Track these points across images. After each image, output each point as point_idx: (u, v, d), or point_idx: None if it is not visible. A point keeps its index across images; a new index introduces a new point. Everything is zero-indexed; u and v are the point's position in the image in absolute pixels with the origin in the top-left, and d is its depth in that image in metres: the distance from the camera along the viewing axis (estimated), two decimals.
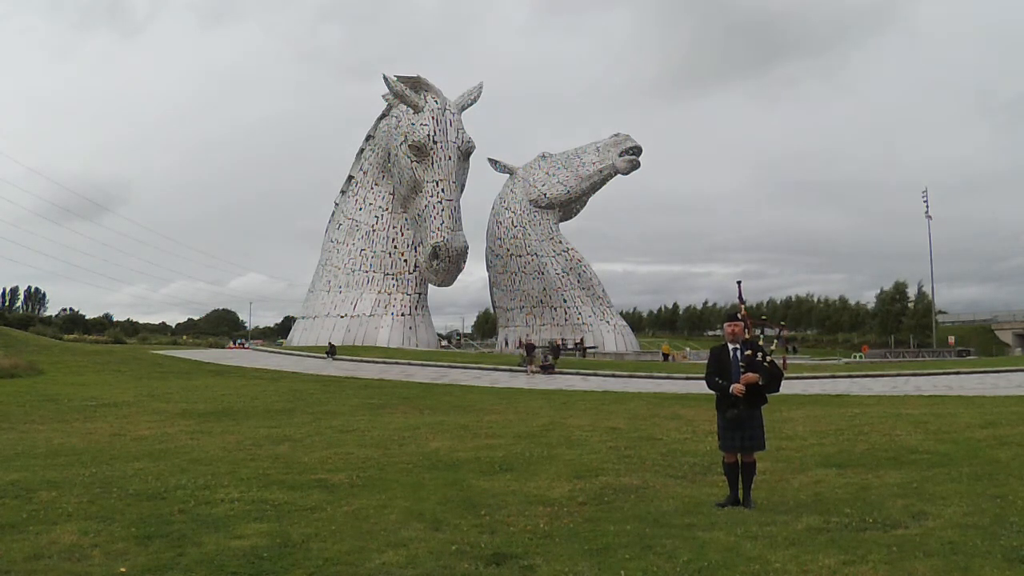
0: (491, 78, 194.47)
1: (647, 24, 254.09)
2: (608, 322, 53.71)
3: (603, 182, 54.32)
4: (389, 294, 46.22)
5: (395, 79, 39.40)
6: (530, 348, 31.99)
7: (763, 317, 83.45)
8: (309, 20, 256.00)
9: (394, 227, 46.32)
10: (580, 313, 53.31)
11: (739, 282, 7.45)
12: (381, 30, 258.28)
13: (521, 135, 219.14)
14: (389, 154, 43.69)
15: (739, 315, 6.83)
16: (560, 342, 40.17)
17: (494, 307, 60.45)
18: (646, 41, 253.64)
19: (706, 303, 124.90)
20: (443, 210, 39.01)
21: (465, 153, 40.80)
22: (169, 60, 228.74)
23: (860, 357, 54.16)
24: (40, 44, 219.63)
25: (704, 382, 7.05)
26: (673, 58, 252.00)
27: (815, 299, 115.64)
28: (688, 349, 61.77)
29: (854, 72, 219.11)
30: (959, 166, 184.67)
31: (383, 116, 45.13)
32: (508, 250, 54.39)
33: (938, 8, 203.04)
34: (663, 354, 48.01)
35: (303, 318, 50.83)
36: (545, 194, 53.63)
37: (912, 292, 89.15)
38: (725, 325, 6.86)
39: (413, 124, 39.59)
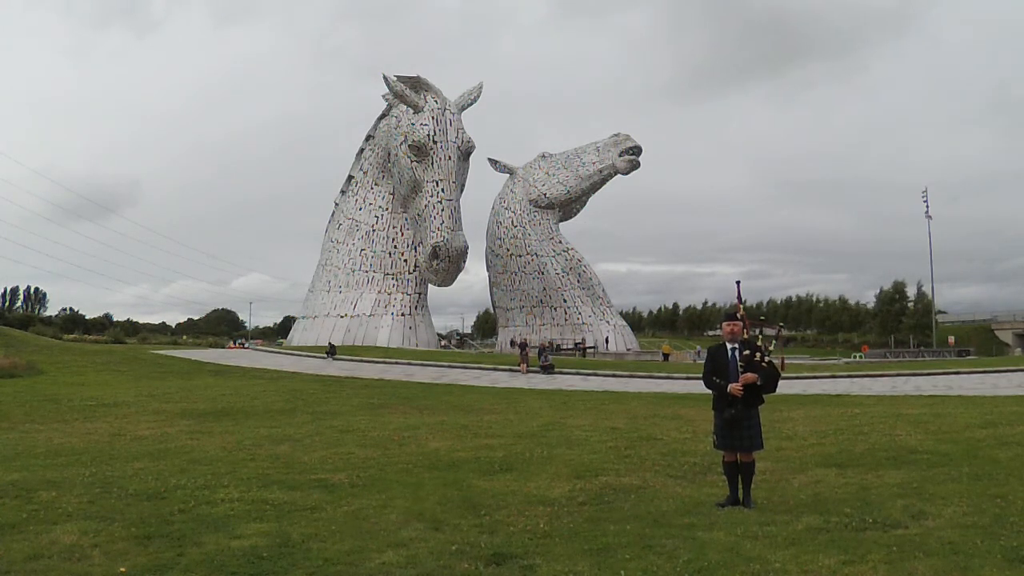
0: (505, 79, 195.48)
1: (663, 26, 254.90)
2: (608, 322, 53.75)
3: (603, 182, 54.36)
4: (389, 294, 46.21)
5: (395, 79, 39.39)
6: (523, 347, 31.73)
7: (762, 317, 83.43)
8: (325, 20, 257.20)
9: (394, 227, 46.33)
10: (580, 313, 53.34)
11: (738, 282, 7.45)
12: (395, 31, 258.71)
13: (533, 136, 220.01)
14: (389, 154, 43.71)
15: (738, 315, 6.82)
16: (548, 343, 40.05)
17: (494, 307, 60.48)
18: (662, 43, 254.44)
19: (706, 303, 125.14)
20: (443, 210, 39.03)
21: (465, 153, 40.82)
22: (183, 58, 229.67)
23: (860, 357, 54.17)
24: (54, 42, 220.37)
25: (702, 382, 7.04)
26: (689, 60, 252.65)
27: (815, 299, 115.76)
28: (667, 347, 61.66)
29: (870, 74, 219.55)
30: (967, 167, 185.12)
31: (383, 116, 45.15)
32: (508, 250, 54.41)
33: (955, 10, 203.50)
34: (663, 354, 48.02)
35: (303, 318, 50.84)
36: (545, 194, 53.65)
37: (912, 292, 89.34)
38: (723, 324, 6.81)
39: (413, 124, 39.60)
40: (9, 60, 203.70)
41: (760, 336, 7.07)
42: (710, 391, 6.80)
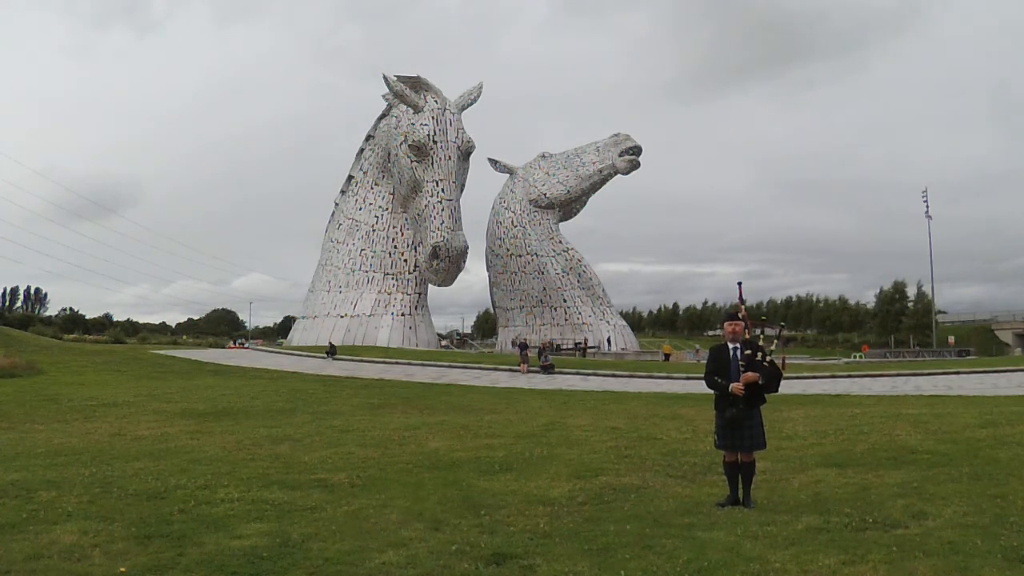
0: (505, 79, 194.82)
1: (664, 26, 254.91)
2: (608, 322, 53.74)
3: (603, 182, 54.35)
4: (389, 294, 46.22)
5: (395, 79, 39.40)
6: (523, 347, 31.74)
7: (763, 317, 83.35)
8: (326, 20, 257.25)
9: (394, 227, 46.33)
10: (580, 313, 53.32)
11: (740, 283, 7.46)
12: (395, 31, 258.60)
13: (533, 136, 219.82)
14: (389, 154, 43.72)
15: (739, 315, 6.82)
16: (548, 343, 40.10)
17: (494, 307, 60.46)
18: (663, 43, 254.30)
19: (706, 303, 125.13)
20: (443, 210, 39.05)
21: (465, 153, 40.84)
22: (184, 58, 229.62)
23: (860, 357, 54.16)
24: (55, 42, 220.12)
25: (704, 381, 7.05)
26: (690, 60, 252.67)
27: (815, 299, 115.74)
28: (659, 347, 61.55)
29: (870, 74, 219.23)
30: (967, 167, 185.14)
31: (383, 116, 45.17)
32: (508, 250, 54.40)
33: (955, 10, 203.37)
34: (664, 354, 48.01)
35: (303, 318, 50.84)
36: (545, 194, 53.64)
37: (912, 292, 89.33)
38: (725, 324, 6.82)
39: (413, 124, 39.61)
40: (10, 60, 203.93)
41: (761, 336, 7.07)
42: (711, 391, 6.81)
